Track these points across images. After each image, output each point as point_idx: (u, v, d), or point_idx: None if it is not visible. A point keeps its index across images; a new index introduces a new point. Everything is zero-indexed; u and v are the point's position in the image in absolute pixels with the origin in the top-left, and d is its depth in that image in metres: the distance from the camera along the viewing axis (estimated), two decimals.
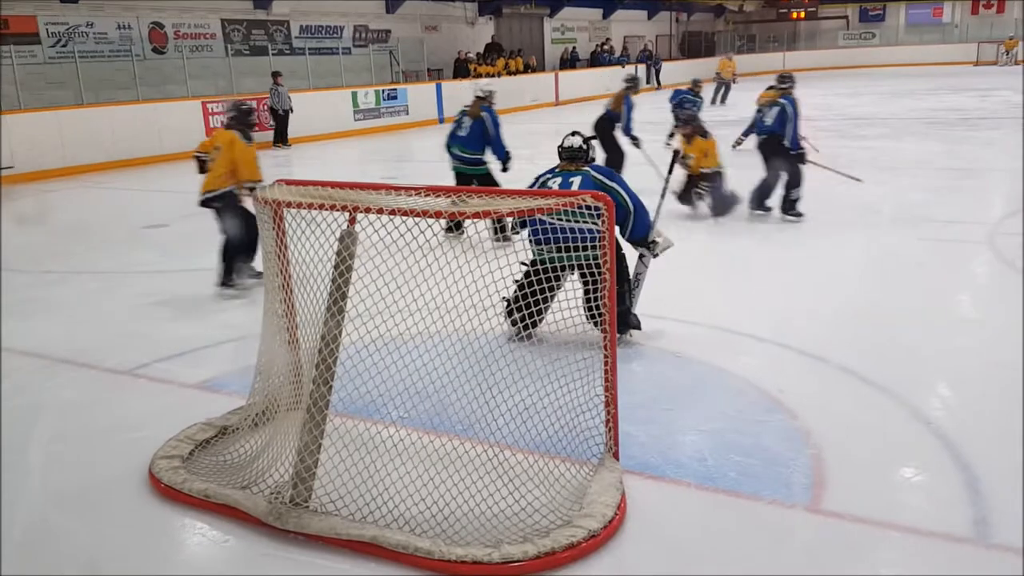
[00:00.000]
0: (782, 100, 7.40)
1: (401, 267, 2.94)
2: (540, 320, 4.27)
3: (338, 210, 2.91)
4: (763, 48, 37.11)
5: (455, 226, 5.30)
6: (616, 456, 3.13)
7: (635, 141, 9.37)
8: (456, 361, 3.22)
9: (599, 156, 6.77)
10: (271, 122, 15.58)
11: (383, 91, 18.69)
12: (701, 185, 7.81)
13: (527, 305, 3.73)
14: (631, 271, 4.57)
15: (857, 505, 2.90)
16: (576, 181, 4.31)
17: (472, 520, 2.78)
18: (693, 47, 35.93)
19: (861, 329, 4.69)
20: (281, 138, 15.49)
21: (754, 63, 34.55)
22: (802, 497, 2.98)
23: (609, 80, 26.56)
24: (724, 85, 21.34)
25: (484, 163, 7.40)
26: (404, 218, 2.81)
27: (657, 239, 4.45)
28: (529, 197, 2.90)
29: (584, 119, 6.62)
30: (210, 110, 14.94)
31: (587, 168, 4.42)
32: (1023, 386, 3.77)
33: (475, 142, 7.34)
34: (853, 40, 35.91)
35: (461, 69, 21.94)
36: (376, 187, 3.03)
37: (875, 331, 4.63)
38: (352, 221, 2.89)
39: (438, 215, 2.74)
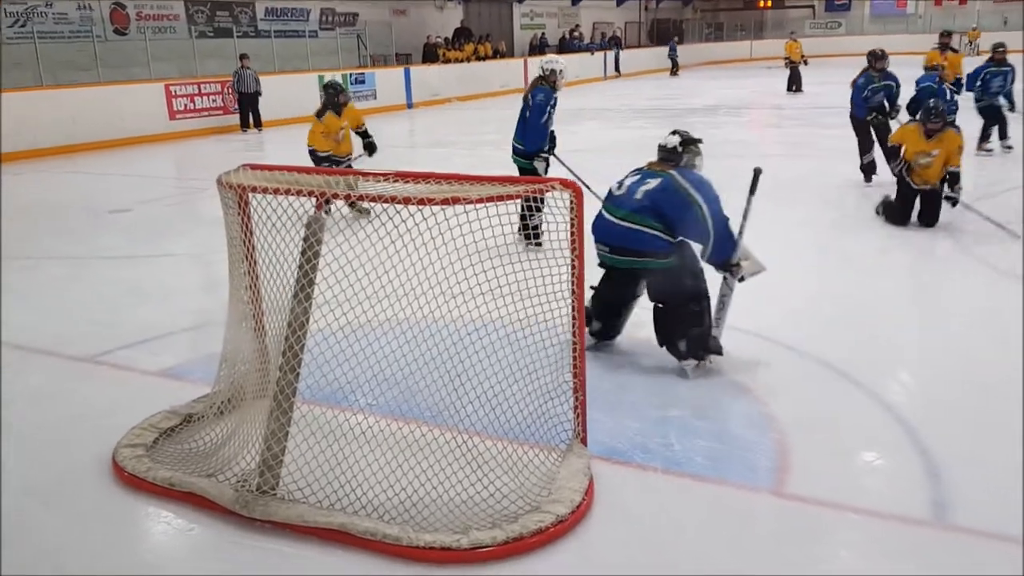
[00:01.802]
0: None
1: (369, 253, 2.92)
2: (618, 326, 4.17)
3: (305, 195, 2.87)
4: (731, 36, 37.35)
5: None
6: (584, 442, 3.16)
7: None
8: (425, 348, 3.21)
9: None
10: (235, 106, 15.36)
11: (351, 75, 18.48)
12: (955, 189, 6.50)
13: (601, 309, 3.76)
14: (716, 291, 4.02)
15: (820, 489, 2.96)
16: (654, 183, 3.87)
17: (441, 507, 2.78)
18: (662, 34, 36.05)
19: (823, 317, 4.76)
20: (254, 122, 15.25)
21: (722, 51, 34.77)
22: (766, 481, 3.03)
23: (579, 67, 26.61)
24: (794, 70, 19.25)
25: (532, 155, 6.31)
26: (372, 204, 2.79)
27: (743, 262, 3.92)
28: (496, 184, 2.89)
29: (560, 104, 6.55)
30: (173, 93, 14.67)
31: (673, 172, 3.88)
32: (985, 375, 3.87)
33: (521, 130, 6.41)
34: (819, 29, 36.28)
35: (430, 54, 21.78)
36: (344, 172, 3.01)
37: (838, 319, 4.70)
38: (319, 206, 2.86)
39: (406, 201, 2.72)
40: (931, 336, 4.48)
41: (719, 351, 3.92)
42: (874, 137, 8.35)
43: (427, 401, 3.26)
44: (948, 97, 8.64)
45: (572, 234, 2.90)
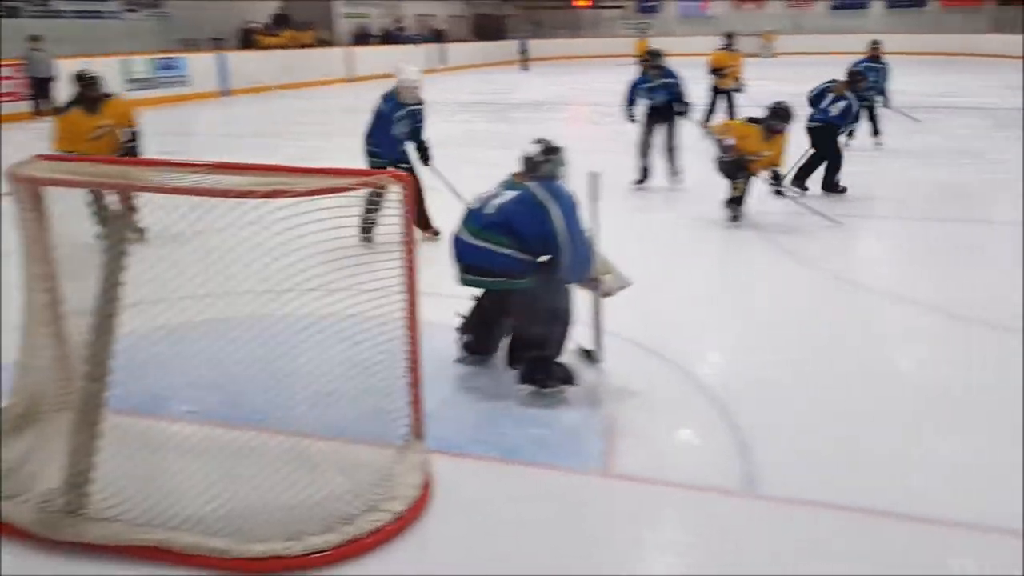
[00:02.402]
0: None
1: (186, 250, 2.75)
2: (489, 344, 3.94)
3: (109, 189, 2.65)
4: (550, 34, 38.41)
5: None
6: (420, 436, 3.13)
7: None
8: (250, 349, 3.06)
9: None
10: (30, 91, 13.96)
11: (158, 60, 17.31)
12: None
13: (474, 323, 3.60)
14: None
15: (644, 467, 3.12)
16: (509, 196, 3.62)
17: (272, 514, 2.66)
18: (484, 30, 36.52)
19: (643, 302, 5.00)
20: (47, 108, 13.88)
21: (542, 49, 35.73)
22: (596, 463, 3.15)
23: (404, 59, 26.40)
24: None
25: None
26: (188, 197, 2.61)
27: (604, 276, 3.75)
28: (324, 176, 2.79)
29: (377, 96, 6.44)
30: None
31: (531, 184, 3.62)
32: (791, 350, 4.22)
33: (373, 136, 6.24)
34: (631, 30, 38.06)
35: (247, 39, 20.80)
36: (154, 163, 2.80)
37: (654, 304, 4.96)
38: (125, 201, 2.65)
39: (225, 194, 2.57)
40: (740, 320, 4.83)
41: (568, 380, 3.65)
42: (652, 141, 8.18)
43: (253, 404, 3.12)
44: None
45: (404, 228, 2.85)
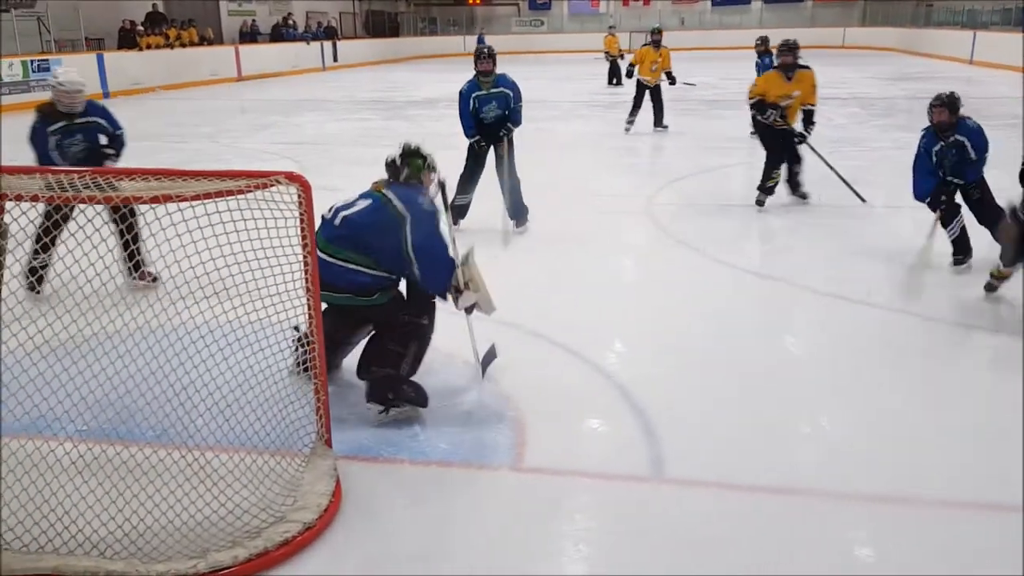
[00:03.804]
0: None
1: (67, 261, 2.60)
2: (333, 360, 3.60)
3: None
4: (444, 31, 38.31)
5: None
6: (328, 443, 3.07)
7: None
8: (143, 361, 2.92)
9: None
10: None
11: (32, 62, 16.31)
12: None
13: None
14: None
15: (554, 459, 3.16)
16: (361, 206, 3.41)
17: (173, 532, 2.56)
18: (377, 27, 36.06)
19: (545, 296, 5.06)
20: None
21: (436, 46, 35.58)
22: (507, 458, 3.17)
23: (295, 57, 25.77)
24: (613, 63, 19.13)
25: None
26: (62, 205, 2.47)
27: (464, 291, 3.48)
28: (212, 179, 2.69)
29: (268, 95, 6.27)
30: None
31: (386, 190, 3.44)
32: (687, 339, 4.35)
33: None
34: (524, 27, 38.37)
35: (126, 39, 19.83)
36: (27, 171, 2.64)
37: (556, 297, 5.03)
38: (0, 211, 2.49)
39: (108, 200, 2.45)
40: (638, 310, 4.94)
41: (418, 402, 3.41)
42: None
43: (149, 420, 2.98)
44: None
45: (303, 230, 2.79)
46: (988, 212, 5.15)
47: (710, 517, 2.80)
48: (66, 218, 2.96)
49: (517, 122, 6.38)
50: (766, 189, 7.05)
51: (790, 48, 6.97)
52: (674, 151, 10.69)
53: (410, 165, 3.52)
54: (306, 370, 3.12)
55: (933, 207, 5.29)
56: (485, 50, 6.30)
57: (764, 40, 11.12)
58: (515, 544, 2.66)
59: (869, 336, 4.36)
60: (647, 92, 11.41)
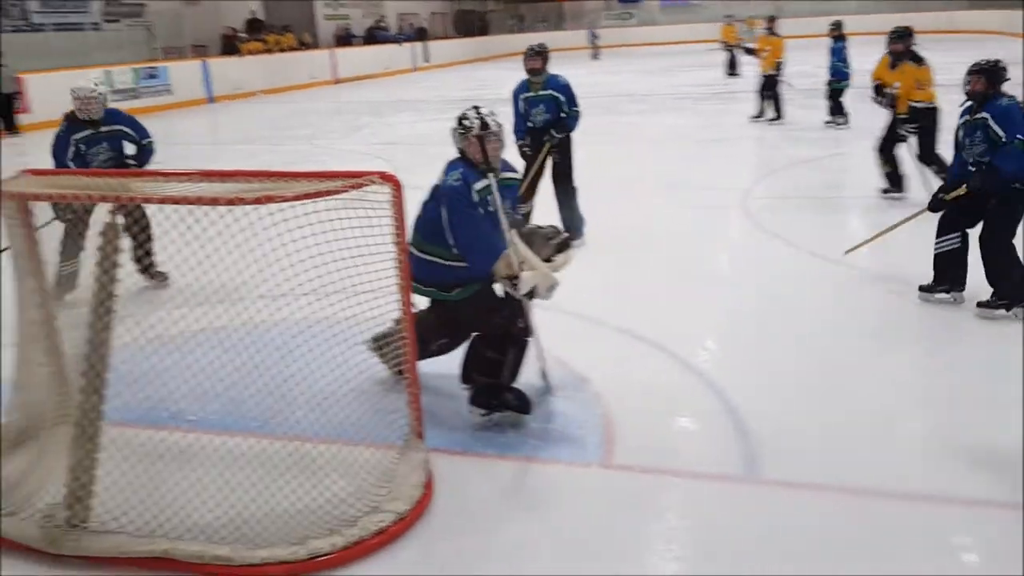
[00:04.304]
0: None
1: (176, 260, 2.74)
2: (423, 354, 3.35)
3: (98, 201, 2.64)
4: (532, 28, 38.35)
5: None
6: (420, 436, 3.14)
7: None
8: (247, 355, 3.05)
9: None
10: None
11: (141, 69, 17.22)
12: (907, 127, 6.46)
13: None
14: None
15: (643, 457, 3.12)
16: (432, 192, 3.40)
17: (274, 520, 2.67)
18: (467, 26, 36.43)
19: (631, 292, 5.01)
20: (9, 124, 13.69)
21: (524, 43, 35.70)
22: (596, 455, 3.16)
23: (388, 58, 26.31)
24: (731, 54, 18.60)
25: None
26: (176, 206, 2.61)
27: (523, 274, 3.22)
28: (311, 180, 2.79)
29: (362, 97, 6.42)
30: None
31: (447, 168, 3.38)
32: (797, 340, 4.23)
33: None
34: (614, 20, 38.01)
35: (228, 46, 20.70)
36: (142, 174, 2.79)
37: (643, 292, 4.97)
38: (115, 212, 2.64)
39: (213, 202, 2.57)
40: (730, 306, 4.83)
41: (520, 409, 3.33)
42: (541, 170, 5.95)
43: (252, 411, 3.11)
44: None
45: (395, 228, 2.86)
46: (991, 244, 4.17)
47: (806, 519, 2.72)
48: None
49: (568, 127, 5.81)
50: (885, 177, 6.72)
51: (898, 36, 6.61)
52: (767, 143, 10.40)
53: (456, 135, 3.41)
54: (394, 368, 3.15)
55: (933, 208, 4.44)
56: (535, 47, 5.88)
57: (837, 24, 10.62)
58: (604, 542, 2.65)
59: (974, 342, 4.13)
60: (766, 81, 11.26)
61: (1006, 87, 4.33)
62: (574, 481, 3.01)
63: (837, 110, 10.53)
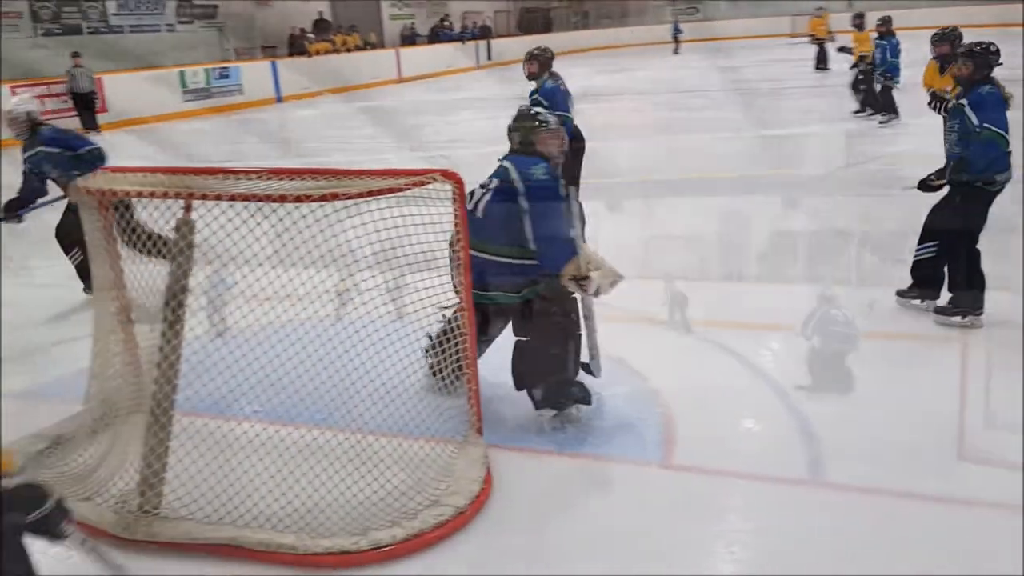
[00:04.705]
0: None
1: (246, 255, 2.82)
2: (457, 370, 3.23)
3: (171, 198, 2.73)
4: (597, 24, 38.14)
5: None
6: (480, 432, 3.16)
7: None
8: (312, 349, 3.12)
9: None
10: (75, 107, 14.31)
11: (213, 70, 17.73)
12: None
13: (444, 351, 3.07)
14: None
15: (704, 457, 3.09)
16: (492, 185, 3.32)
17: (337, 510, 2.72)
18: (531, 24, 36.44)
19: (693, 290, 4.93)
20: (90, 123, 14.25)
21: (588, 39, 35.51)
22: (655, 455, 3.13)
23: (451, 57, 26.51)
24: (821, 47, 17.98)
25: None
26: (246, 203, 2.68)
27: (592, 273, 3.12)
28: (376, 177, 2.84)
29: (425, 96, 6.50)
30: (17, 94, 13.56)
31: (506, 163, 3.30)
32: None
33: None
34: (680, 16, 37.53)
35: (296, 46, 21.14)
36: (212, 171, 2.88)
37: (705, 291, 4.89)
38: (188, 209, 2.73)
39: (281, 199, 2.63)
40: (793, 306, 4.72)
41: (584, 400, 3.32)
42: None
43: (317, 403, 3.18)
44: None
45: (456, 225, 2.88)
46: (955, 248, 3.98)
47: (869, 524, 2.64)
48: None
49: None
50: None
51: (941, 38, 6.15)
52: (829, 137, 10.13)
53: (520, 129, 3.37)
54: (435, 375, 3.19)
55: (921, 187, 4.18)
56: (531, 51, 5.44)
57: (885, 21, 10.16)
58: (663, 542, 2.63)
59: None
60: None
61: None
62: (634, 480, 2.99)
63: (889, 106, 10.27)
